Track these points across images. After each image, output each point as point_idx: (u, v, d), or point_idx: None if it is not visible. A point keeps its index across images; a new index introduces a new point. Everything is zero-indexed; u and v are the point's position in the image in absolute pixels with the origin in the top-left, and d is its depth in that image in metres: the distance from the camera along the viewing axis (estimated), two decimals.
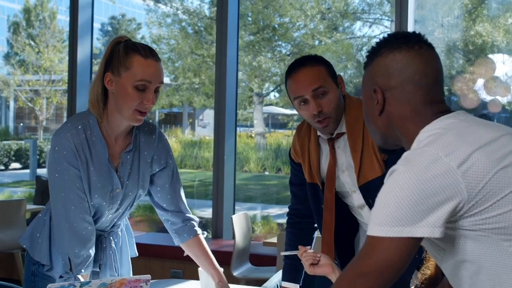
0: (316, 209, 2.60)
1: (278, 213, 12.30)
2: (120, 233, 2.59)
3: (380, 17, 15.26)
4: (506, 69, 7.63)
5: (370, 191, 2.41)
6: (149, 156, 2.46)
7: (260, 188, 14.85)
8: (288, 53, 15.94)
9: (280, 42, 16.10)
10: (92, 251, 2.32)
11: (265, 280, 3.45)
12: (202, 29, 16.85)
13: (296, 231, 2.70)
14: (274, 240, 4.79)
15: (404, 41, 1.58)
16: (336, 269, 2.27)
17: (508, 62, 6.83)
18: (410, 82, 1.56)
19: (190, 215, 2.55)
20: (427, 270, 1.93)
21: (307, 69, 2.37)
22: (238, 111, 6.23)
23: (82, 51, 6.23)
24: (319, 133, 2.51)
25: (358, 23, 15.47)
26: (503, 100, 7.64)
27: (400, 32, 1.65)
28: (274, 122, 21.31)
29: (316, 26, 15.13)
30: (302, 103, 2.37)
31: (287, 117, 20.79)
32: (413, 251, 1.42)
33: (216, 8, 5.85)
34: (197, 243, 2.55)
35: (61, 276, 2.30)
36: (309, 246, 2.35)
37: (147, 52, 2.26)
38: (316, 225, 2.71)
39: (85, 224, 2.31)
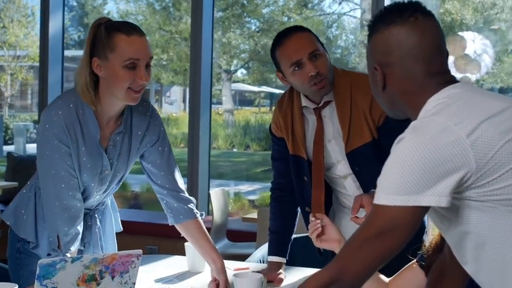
0: (298, 182, 2.60)
1: (248, 189, 12.32)
2: (105, 210, 2.57)
3: None
4: (476, 47, 7.68)
5: (358, 158, 2.43)
6: (142, 134, 2.42)
7: (229, 164, 14.84)
8: (257, 29, 15.87)
9: (249, 19, 16.02)
10: (80, 228, 2.30)
11: (243, 255, 3.48)
12: (170, 4, 16.67)
13: (280, 205, 2.70)
14: (254, 216, 4.80)
15: (398, 14, 1.56)
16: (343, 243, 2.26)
17: (478, 39, 6.89)
18: (409, 57, 1.54)
19: (187, 195, 2.50)
20: (432, 239, 1.95)
21: (299, 35, 2.41)
22: None
23: (54, 26, 6.13)
24: (304, 103, 2.51)
25: (328, 0, 15.47)
26: (473, 77, 7.71)
27: (395, 4, 1.62)
28: (241, 99, 21.24)
29: (286, 3, 15.08)
30: (296, 68, 2.38)
31: (254, 94, 20.75)
32: (419, 220, 1.43)
33: None
34: (196, 226, 2.50)
35: (48, 254, 2.26)
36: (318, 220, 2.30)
37: (130, 29, 2.20)
38: None
39: (75, 201, 2.28)
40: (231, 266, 2.58)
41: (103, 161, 2.34)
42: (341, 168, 2.51)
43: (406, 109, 1.60)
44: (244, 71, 18.64)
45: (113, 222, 2.61)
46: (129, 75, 2.18)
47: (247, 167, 14.97)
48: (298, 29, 2.44)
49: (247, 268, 2.68)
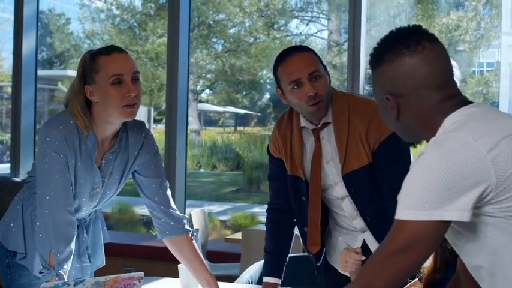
0: (296, 202, 2.60)
1: (219, 210, 12.29)
2: (94, 220, 2.58)
3: (317, 15, 15.43)
4: None
5: (354, 180, 2.44)
6: (136, 154, 2.44)
7: (197, 185, 14.80)
8: (224, 50, 15.93)
9: (216, 40, 16.07)
10: (74, 246, 2.30)
11: (224, 276, 3.46)
12: (136, 24, 16.65)
13: (277, 226, 2.70)
14: (237, 236, 4.78)
15: (405, 44, 1.55)
16: None
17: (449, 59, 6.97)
18: (422, 87, 1.54)
19: (177, 213, 2.51)
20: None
21: (302, 54, 2.42)
22: None
23: (27, 46, 6.06)
24: (302, 123, 2.52)
25: (295, 21, 15.60)
26: None
27: (398, 32, 1.60)
28: (206, 119, 21.27)
29: (254, 23, 15.17)
30: (295, 87, 2.38)
31: (219, 115, 20.79)
32: (441, 235, 1.44)
33: (152, 4, 5.77)
34: (188, 246, 2.50)
35: (40, 272, 2.26)
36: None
37: (109, 49, 2.29)
38: (295, 220, 2.71)
39: (70, 217, 2.29)
40: (223, 287, 2.56)
41: (95, 178, 2.37)
42: (338, 190, 2.52)
43: (422, 133, 1.61)
44: (208, 91, 18.67)
45: (101, 232, 2.61)
46: (117, 91, 2.23)
47: (215, 187, 14.94)
48: (301, 49, 2.46)
49: None
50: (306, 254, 3.31)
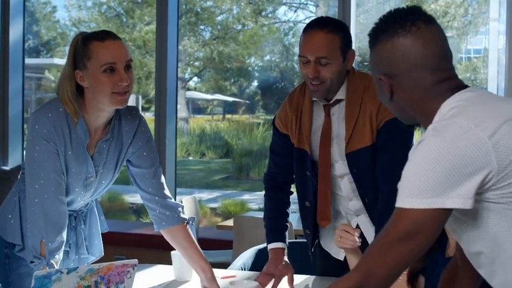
0: (300, 177, 2.61)
1: (209, 197, 12.30)
2: (91, 211, 2.56)
3: (305, 2, 15.39)
4: None
5: (357, 159, 2.45)
6: (129, 142, 2.42)
7: (187, 172, 14.78)
8: (213, 37, 15.87)
9: (203, 27, 16.01)
10: (65, 235, 2.29)
11: (216, 263, 3.46)
12: (122, 12, 16.54)
13: (275, 194, 2.72)
14: (229, 223, 4.78)
15: (400, 24, 1.54)
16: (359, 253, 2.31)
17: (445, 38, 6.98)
18: (415, 67, 1.54)
19: (173, 201, 2.50)
20: None
21: (322, 34, 2.38)
22: None
23: (14, 34, 6.02)
24: (315, 98, 2.51)
25: (283, 8, 15.54)
26: None
27: (395, 12, 1.60)
28: (194, 107, 21.20)
29: (242, 10, 15.11)
30: (304, 62, 2.40)
31: (207, 102, 20.72)
32: (443, 222, 1.43)
33: None
34: (183, 234, 2.49)
35: (32, 262, 2.24)
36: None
37: (103, 35, 2.24)
38: (291, 189, 2.74)
39: (62, 207, 2.27)
40: (217, 274, 2.56)
41: (88, 168, 2.34)
42: (338, 168, 2.52)
43: (416, 117, 1.60)
44: (196, 79, 18.61)
45: (98, 222, 2.59)
46: (109, 79, 2.20)
47: (204, 175, 14.92)
48: (326, 27, 2.39)
49: (235, 276, 2.67)
50: (296, 240, 3.33)
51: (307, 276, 2.68)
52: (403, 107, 1.60)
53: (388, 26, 1.57)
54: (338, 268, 2.55)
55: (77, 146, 2.29)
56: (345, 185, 2.54)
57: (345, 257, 2.54)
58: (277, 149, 2.67)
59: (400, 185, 1.45)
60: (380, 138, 2.43)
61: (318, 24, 2.42)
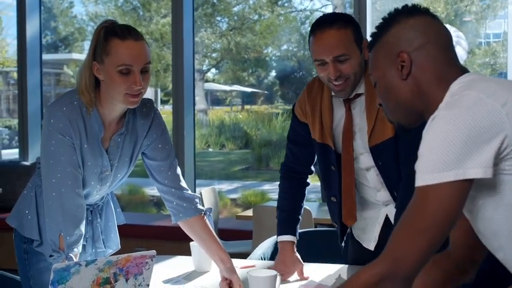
0: (325, 171, 2.57)
1: (229, 188, 12.31)
2: (107, 204, 2.56)
3: None
4: None
5: (381, 152, 2.41)
6: (144, 135, 2.41)
7: (206, 164, 14.81)
8: (229, 28, 15.86)
9: (220, 18, 16.00)
10: (84, 228, 2.29)
11: (236, 254, 3.46)
12: (139, 5, 16.58)
13: (292, 184, 2.69)
14: (248, 213, 4.78)
15: (416, 11, 1.62)
16: None
17: (451, 31, 6.90)
18: (433, 43, 1.58)
19: (189, 192, 2.49)
20: None
21: (333, 32, 2.30)
22: None
23: (31, 29, 6.06)
24: (340, 97, 2.47)
25: None
26: None
27: (406, 5, 1.66)
28: (212, 99, 21.24)
29: (258, 0, 15.08)
30: (321, 65, 2.33)
31: (225, 94, 20.74)
32: (466, 195, 1.41)
33: None
34: (201, 225, 2.48)
35: (51, 256, 2.24)
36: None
37: (125, 33, 2.18)
38: (308, 180, 2.71)
39: (80, 200, 2.27)
40: (236, 264, 2.56)
41: (103, 161, 2.34)
42: (363, 160, 2.48)
43: (427, 98, 1.59)
44: (214, 71, 18.63)
45: (114, 215, 2.59)
46: (123, 80, 2.16)
47: (224, 166, 14.95)
48: (336, 23, 2.31)
49: (254, 266, 2.67)
50: (317, 229, 3.32)
51: (341, 265, 2.65)
52: (416, 88, 1.60)
53: (405, 10, 1.63)
54: (370, 258, 2.52)
55: (92, 139, 2.28)
56: (372, 177, 2.51)
57: (376, 247, 2.52)
58: (296, 138, 2.63)
59: (418, 165, 1.43)
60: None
61: (326, 23, 2.32)
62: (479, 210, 1.52)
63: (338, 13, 2.42)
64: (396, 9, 1.65)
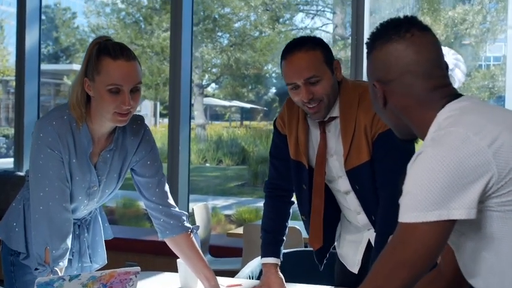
0: (298, 189, 2.57)
1: (224, 204, 12.28)
2: (94, 219, 2.55)
3: (322, 9, 15.37)
4: (449, 61, 7.73)
5: (357, 176, 2.41)
6: (134, 152, 2.42)
7: (203, 179, 14.79)
8: (230, 44, 15.90)
9: (221, 33, 16.04)
10: (70, 242, 2.28)
11: (226, 271, 3.45)
12: (141, 18, 16.63)
13: (277, 203, 2.67)
14: (239, 231, 4.77)
15: (394, 30, 1.57)
16: None
17: (450, 54, 6.95)
18: (407, 73, 1.54)
19: (176, 210, 2.49)
20: None
21: (302, 54, 2.30)
22: None
23: (30, 40, 6.07)
24: (315, 119, 2.48)
25: (300, 15, 15.53)
26: None
27: (391, 20, 1.62)
28: (212, 114, 21.26)
29: (259, 17, 15.13)
30: (293, 88, 2.33)
31: (225, 109, 20.76)
32: (449, 234, 1.41)
33: None
34: (187, 242, 2.48)
35: (36, 269, 2.24)
36: None
37: (117, 52, 2.18)
38: (294, 198, 2.69)
39: (66, 214, 2.27)
40: (222, 282, 2.56)
41: (91, 177, 2.34)
42: (342, 184, 2.49)
43: (410, 125, 1.59)
44: (214, 86, 18.65)
45: (102, 230, 2.59)
46: (112, 99, 2.17)
47: (220, 181, 14.92)
48: (305, 46, 2.33)
49: (240, 284, 2.65)
50: (307, 249, 3.31)
51: (328, 287, 2.64)
52: (396, 115, 1.59)
53: (383, 32, 1.59)
54: (354, 280, 2.51)
55: (80, 154, 2.29)
56: (352, 201, 2.51)
57: (359, 270, 2.52)
58: (278, 153, 2.62)
59: (402, 200, 1.43)
60: (375, 151, 2.37)
61: (294, 46, 2.34)
62: (462, 244, 1.52)
63: (307, 36, 2.42)
64: (376, 30, 1.61)
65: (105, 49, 2.19)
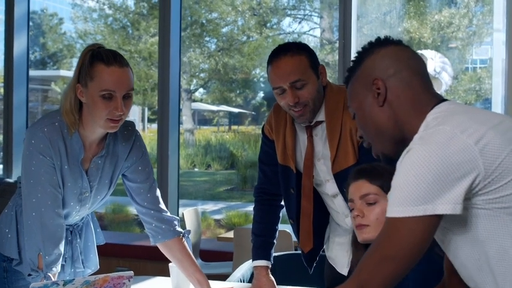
0: (286, 193, 2.59)
1: (213, 209, 12.28)
2: (87, 224, 2.56)
3: (309, 13, 15.44)
4: (435, 64, 7.79)
5: (345, 179, 2.42)
6: (125, 158, 2.43)
7: (192, 184, 14.79)
8: (217, 49, 15.93)
9: (209, 38, 16.06)
10: (62, 248, 2.29)
11: (217, 275, 3.46)
12: (128, 24, 16.63)
13: (266, 207, 2.69)
14: (229, 235, 4.78)
15: (388, 42, 1.67)
16: None
17: (437, 58, 6.99)
18: (407, 68, 1.61)
19: (168, 215, 2.51)
20: None
21: (288, 59, 2.34)
22: None
23: (18, 46, 6.05)
24: (301, 123, 2.50)
25: (287, 19, 15.60)
26: None
27: (379, 38, 1.71)
28: (200, 118, 21.27)
29: (247, 22, 15.16)
30: (279, 93, 2.36)
31: (213, 114, 20.78)
32: (435, 229, 1.44)
33: (144, 3, 5.76)
34: (179, 247, 2.49)
35: (29, 275, 2.24)
36: None
37: (110, 59, 2.20)
38: (282, 203, 2.70)
39: (59, 220, 2.27)
40: (214, 286, 2.57)
41: (83, 183, 2.34)
42: (329, 187, 2.52)
43: (404, 126, 1.61)
44: (202, 90, 18.66)
45: (94, 236, 2.59)
46: (105, 105, 2.18)
47: (209, 186, 14.93)
48: (290, 50, 2.37)
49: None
50: (296, 251, 3.32)
51: None
52: (392, 113, 1.61)
53: (379, 41, 1.67)
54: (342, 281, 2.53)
55: (72, 159, 2.30)
56: (339, 203, 2.53)
57: (349, 272, 2.53)
58: (266, 158, 2.65)
59: (390, 196, 1.46)
60: (361, 154, 2.40)
61: (280, 52, 2.37)
62: (450, 241, 1.54)
63: (292, 42, 2.45)
64: (369, 42, 1.69)
65: (98, 55, 2.21)
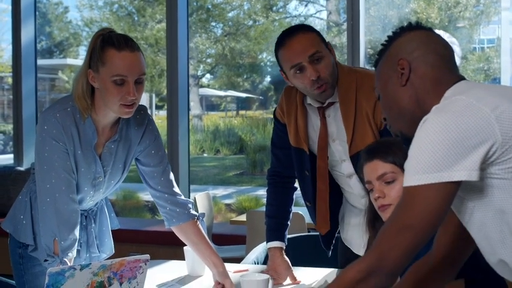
0: (301, 175, 2.60)
1: (223, 193, 12.31)
2: (101, 209, 2.58)
3: None
4: None
5: None
6: (138, 142, 2.44)
7: (201, 169, 14.81)
8: (224, 34, 15.88)
9: (215, 23, 16.02)
10: (78, 233, 2.30)
11: (230, 259, 3.48)
12: (134, 11, 16.58)
13: (279, 190, 2.71)
14: (242, 218, 4.80)
15: (418, 27, 1.70)
16: None
17: (445, 37, 6.93)
18: (433, 52, 1.62)
19: (182, 198, 2.52)
20: None
21: (301, 36, 2.36)
22: None
23: (26, 35, 6.07)
24: (308, 101, 2.50)
25: (294, 2, 15.53)
26: None
27: (410, 23, 1.75)
28: (207, 104, 21.23)
29: (253, 6, 15.11)
30: (298, 71, 2.36)
31: (220, 99, 20.73)
32: (452, 197, 1.44)
33: None
34: (194, 230, 2.51)
35: (45, 260, 2.26)
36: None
37: (122, 43, 2.20)
38: (296, 184, 2.72)
39: (74, 205, 2.29)
40: (229, 268, 2.59)
41: (96, 167, 2.36)
42: (345, 167, 2.52)
43: (424, 106, 1.61)
44: (209, 76, 18.62)
45: (108, 220, 2.61)
46: (117, 90, 2.19)
47: (219, 171, 14.94)
48: (301, 29, 2.40)
49: (247, 270, 2.69)
50: (309, 233, 3.34)
51: (332, 269, 2.67)
52: (414, 93, 1.62)
53: (409, 26, 1.71)
54: None
55: (85, 144, 2.31)
56: (354, 184, 2.53)
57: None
58: (279, 142, 2.66)
59: (407, 165, 1.47)
60: (384, 136, 2.40)
61: (292, 31, 2.40)
62: (470, 213, 1.54)
63: (296, 25, 2.48)
64: (400, 27, 1.72)
65: (109, 40, 2.21)
